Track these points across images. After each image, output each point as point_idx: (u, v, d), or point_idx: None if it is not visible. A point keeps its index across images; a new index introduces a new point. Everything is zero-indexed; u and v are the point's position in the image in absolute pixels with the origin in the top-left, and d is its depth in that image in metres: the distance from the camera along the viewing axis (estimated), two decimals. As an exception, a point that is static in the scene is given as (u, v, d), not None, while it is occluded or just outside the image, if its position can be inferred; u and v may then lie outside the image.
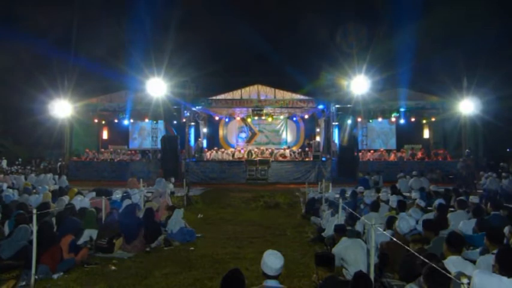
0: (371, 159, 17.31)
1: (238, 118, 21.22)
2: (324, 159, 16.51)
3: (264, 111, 17.86)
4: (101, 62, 18.79)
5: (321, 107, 17.67)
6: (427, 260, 2.77)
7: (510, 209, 5.57)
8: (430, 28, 19.98)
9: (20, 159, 19.58)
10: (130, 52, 17.07)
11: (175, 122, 17.67)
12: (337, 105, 15.89)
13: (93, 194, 8.33)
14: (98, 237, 5.80)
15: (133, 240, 6.00)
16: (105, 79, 17.82)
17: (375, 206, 6.25)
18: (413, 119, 18.80)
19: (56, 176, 13.42)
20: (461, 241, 3.52)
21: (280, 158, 17.27)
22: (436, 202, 6.29)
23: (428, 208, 6.41)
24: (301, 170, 15.72)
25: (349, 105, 15.49)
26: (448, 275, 2.51)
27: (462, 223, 5.14)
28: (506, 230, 4.27)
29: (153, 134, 18.44)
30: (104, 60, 18.40)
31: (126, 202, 7.53)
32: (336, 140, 16.16)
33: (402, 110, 17.06)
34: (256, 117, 19.56)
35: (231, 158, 17.76)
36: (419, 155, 17.55)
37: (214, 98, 17.62)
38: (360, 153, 17.21)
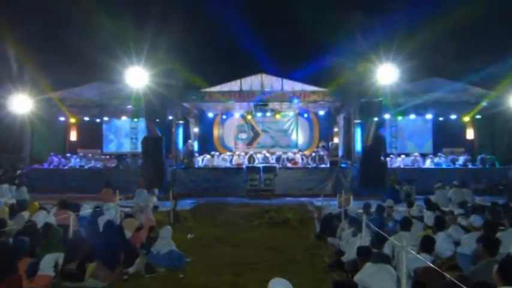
0: (402, 166, 17.27)
1: (237, 115, 21.25)
2: (343, 165, 16.47)
3: (269, 106, 17.89)
4: (68, 47, 18.86)
5: (339, 101, 17.70)
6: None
7: None
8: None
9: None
10: (104, 33, 17.12)
11: (159, 119, 17.72)
12: (360, 99, 15.88)
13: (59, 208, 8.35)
14: (65, 261, 5.82)
15: (116, 267, 6.02)
16: (73, 68, 17.88)
17: (406, 224, 6.25)
18: (453, 116, 18.76)
19: (14, 187, 13.45)
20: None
21: (289, 165, 17.27)
22: (472, 218, 6.29)
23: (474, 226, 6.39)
24: (315, 179, 15.69)
25: (374, 99, 15.47)
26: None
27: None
28: None
29: (132, 135, 18.51)
30: (71, 46, 18.46)
31: (103, 219, 7.55)
32: (359, 142, 16.13)
33: (440, 105, 17.03)
34: (259, 114, 19.60)
35: (228, 165, 17.77)
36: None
37: (207, 90, 17.67)
38: (388, 159, 17.18)
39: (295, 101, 17.36)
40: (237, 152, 19.55)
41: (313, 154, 18.41)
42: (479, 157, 17.77)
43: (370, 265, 4.47)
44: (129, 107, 16.97)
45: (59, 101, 17.03)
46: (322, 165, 16.96)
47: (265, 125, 21.48)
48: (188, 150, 17.49)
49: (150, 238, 7.46)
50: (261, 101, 17.36)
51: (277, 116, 19.76)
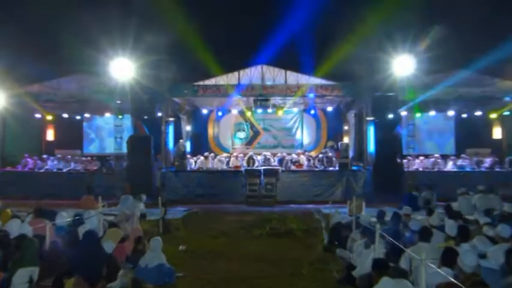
0: (420, 169, 17.27)
1: (234, 111, 21.26)
2: (354, 168, 16.47)
3: (271, 101, 17.88)
4: (43, 35, 18.86)
5: (350, 95, 17.70)
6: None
7: None
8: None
9: None
10: (84, 20, 17.10)
11: (147, 116, 17.71)
12: (373, 94, 15.88)
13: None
14: (41, 276, 5.81)
15: (97, 282, 6.01)
16: (49, 59, 17.87)
17: (425, 234, 6.23)
18: (479, 113, 18.75)
19: (-17, 193, 13.46)
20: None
21: (294, 167, 17.28)
22: (500, 228, 6.27)
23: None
24: (323, 183, 15.73)
25: (389, 94, 15.47)
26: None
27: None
28: None
29: (116, 134, 18.48)
30: (47, 34, 18.45)
31: (83, 228, 7.54)
32: (372, 142, 16.13)
33: (463, 100, 17.02)
34: (259, 110, 19.58)
35: (225, 167, 17.77)
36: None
37: (201, 83, 17.68)
38: (405, 161, 17.17)
39: (311, 95, 17.31)
40: (235, 153, 19.58)
41: (321, 155, 18.41)
42: (507, 159, 17.76)
43: (386, 280, 4.46)
44: (119, 102, 16.89)
45: (28, 96, 16.90)
46: (331, 168, 16.97)
47: (266, 122, 21.50)
48: (180, 151, 17.49)
49: (136, 250, 7.44)
50: (262, 96, 17.34)
51: (280, 113, 19.72)
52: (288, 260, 8.36)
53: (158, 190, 14.70)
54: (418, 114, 18.92)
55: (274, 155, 18.82)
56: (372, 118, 16.09)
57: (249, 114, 20.90)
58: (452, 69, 16.16)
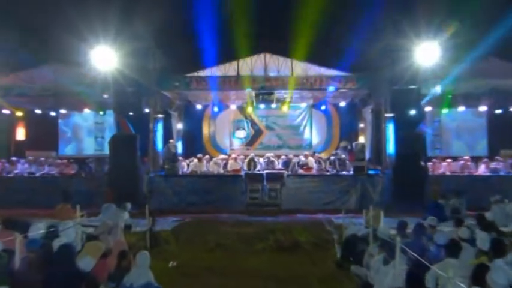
0: (447, 173, 17.26)
1: (233, 107, 21.26)
2: (371, 172, 16.46)
3: (275, 95, 17.88)
4: (13, 19, 18.87)
5: (366, 88, 17.69)
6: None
7: None
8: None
9: None
10: (61, 2, 17.13)
11: (132, 113, 17.72)
12: (392, 87, 15.88)
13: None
14: (9, 297, 5.81)
15: None
16: (21, 47, 17.89)
17: (453, 248, 6.22)
18: (515, 109, 18.76)
19: None
20: None
21: (301, 171, 17.28)
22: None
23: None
24: (335, 189, 15.73)
25: (411, 87, 15.46)
26: None
27: None
28: None
29: (97, 133, 18.49)
30: (17, 17, 18.47)
31: (59, 242, 7.54)
32: (391, 143, 16.12)
33: (497, 93, 16.99)
34: (262, 106, 19.58)
35: (222, 171, 17.78)
36: None
37: (195, 74, 17.69)
38: (430, 163, 17.15)
39: (331, 88, 17.24)
40: (233, 155, 19.57)
41: (332, 158, 18.40)
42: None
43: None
44: (106, 96, 16.83)
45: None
46: (344, 172, 16.96)
47: (269, 119, 21.52)
48: (170, 152, 17.49)
49: (120, 267, 7.44)
50: (264, 89, 17.33)
51: (285, 108, 19.69)
52: (294, 278, 8.38)
53: (145, 197, 14.73)
54: (444, 110, 18.91)
55: (278, 157, 18.84)
56: (391, 114, 16.07)
57: (249, 110, 20.79)
58: (485, 57, 16.11)
